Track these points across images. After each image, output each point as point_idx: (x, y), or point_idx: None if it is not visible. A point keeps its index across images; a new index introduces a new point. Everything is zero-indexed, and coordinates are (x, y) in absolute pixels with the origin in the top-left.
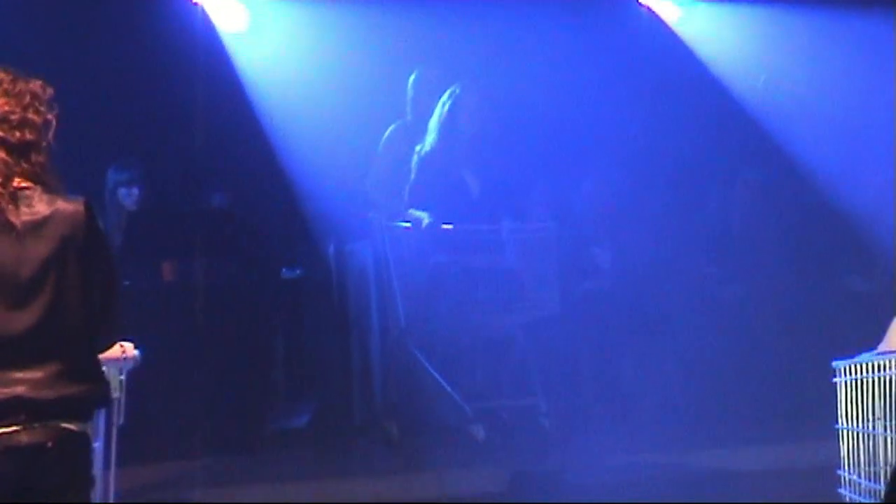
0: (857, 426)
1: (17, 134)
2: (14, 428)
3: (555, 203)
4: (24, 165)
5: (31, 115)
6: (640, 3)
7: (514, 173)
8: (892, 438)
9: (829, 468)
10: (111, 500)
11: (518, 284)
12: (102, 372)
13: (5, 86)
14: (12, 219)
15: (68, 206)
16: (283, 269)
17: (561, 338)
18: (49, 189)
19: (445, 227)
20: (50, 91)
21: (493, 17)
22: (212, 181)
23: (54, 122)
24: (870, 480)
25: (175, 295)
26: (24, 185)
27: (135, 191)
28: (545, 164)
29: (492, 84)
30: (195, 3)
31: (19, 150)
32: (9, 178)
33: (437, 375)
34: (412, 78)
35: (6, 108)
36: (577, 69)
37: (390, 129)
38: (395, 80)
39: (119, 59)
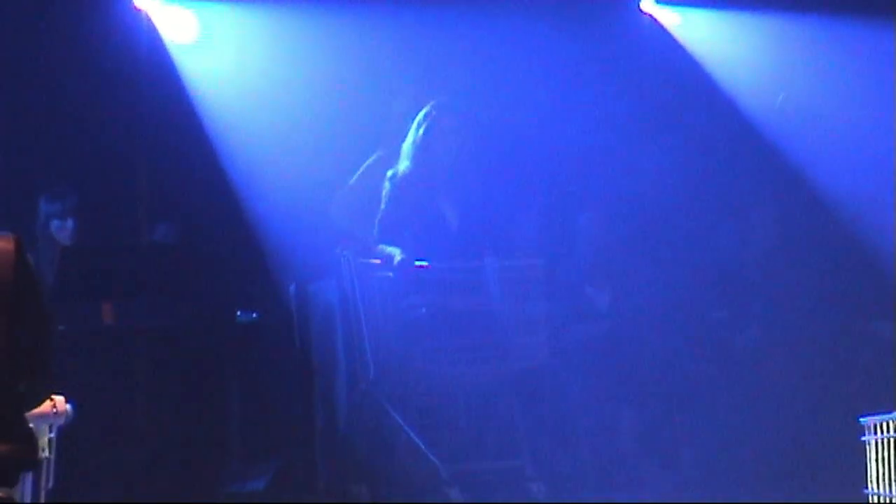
0: (889, 491)
1: None
2: None
3: (545, 237)
4: None
5: None
6: (641, 11)
7: (499, 204)
8: None
9: None
10: None
11: (502, 330)
12: (30, 430)
13: None
14: None
15: None
16: (238, 311)
17: (551, 390)
18: None
19: (420, 264)
20: None
21: (474, 25)
22: (157, 211)
23: None
24: None
25: (115, 340)
26: None
27: (69, 223)
28: (534, 194)
29: (474, 103)
30: (139, 10)
31: None
32: None
33: (410, 432)
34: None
35: None
36: (571, 87)
37: (373, 156)
38: (362, 95)
39: (51, 73)
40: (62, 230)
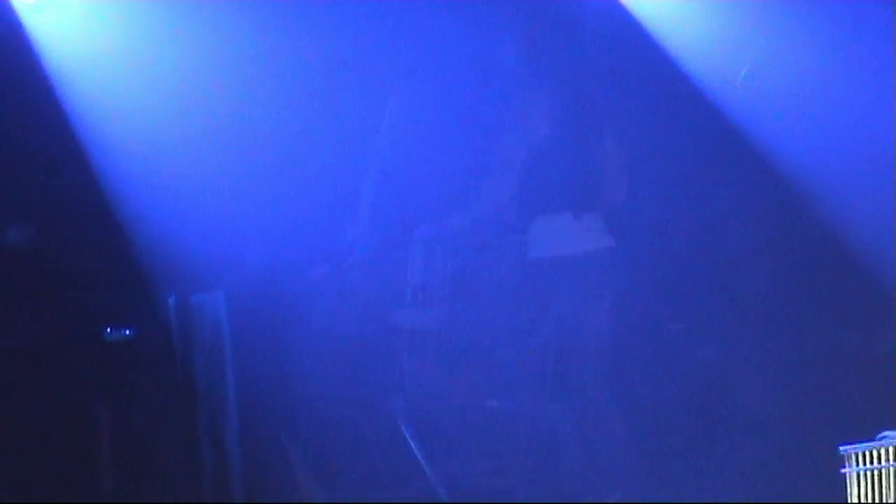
0: None
1: None
2: None
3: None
4: None
5: None
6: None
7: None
8: None
9: None
10: None
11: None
12: None
13: None
14: None
15: None
16: (107, 327)
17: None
18: None
19: None
20: None
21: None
22: (7, 208)
23: None
24: None
25: None
26: None
27: None
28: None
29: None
30: None
31: None
32: None
33: (310, 473)
34: None
35: None
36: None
37: None
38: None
39: None
40: None
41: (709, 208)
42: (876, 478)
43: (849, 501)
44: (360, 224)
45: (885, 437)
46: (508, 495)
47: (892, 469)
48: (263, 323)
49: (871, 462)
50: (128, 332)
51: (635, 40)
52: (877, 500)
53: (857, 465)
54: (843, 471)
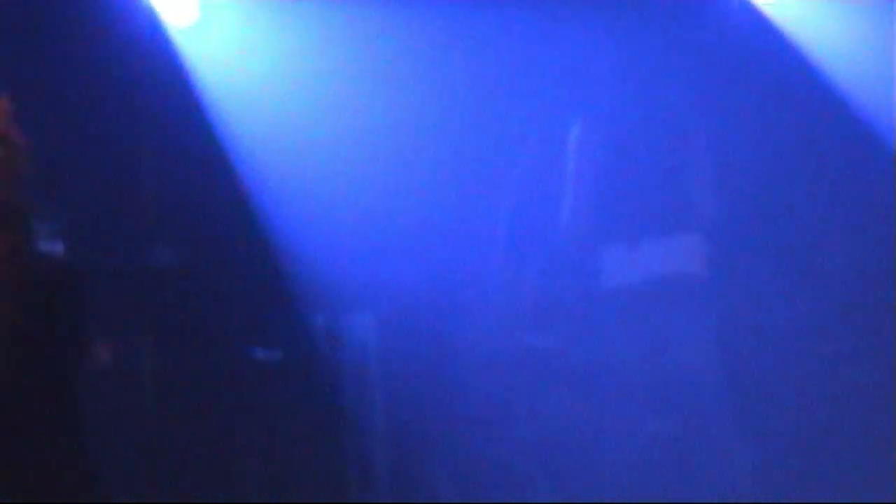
0: None
1: None
2: None
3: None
4: None
5: None
6: None
7: None
8: None
9: None
10: None
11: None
12: None
13: None
14: None
15: None
16: (256, 350)
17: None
18: None
19: None
20: None
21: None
22: (157, 230)
23: None
24: None
25: (111, 384)
26: None
27: (57, 247)
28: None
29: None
30: None
31: None
32: None
33: (454, 495)
34: None
35: None
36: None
37: None
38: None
39: (37, 62)
40: None
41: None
42: None
43: None
44: (500, 245)
45: None
46: None
47: None
48: (410, 344)
49: None
50: (275, 354)
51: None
52: None
53: None
54: None
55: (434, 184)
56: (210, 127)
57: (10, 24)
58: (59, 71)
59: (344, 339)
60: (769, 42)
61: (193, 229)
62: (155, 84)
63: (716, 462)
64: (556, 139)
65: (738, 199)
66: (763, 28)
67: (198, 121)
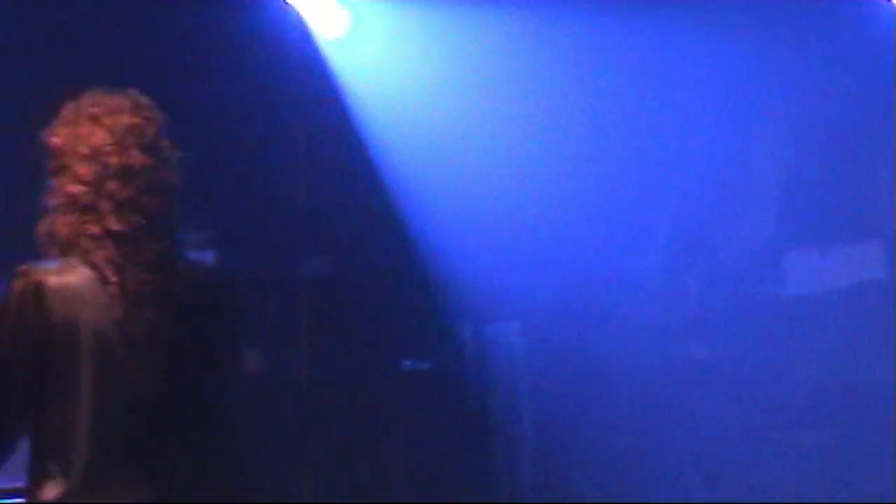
0: None
1: None
2: None
3: None
4: None
5: None
6: None
7: None
8: None
9: None
10: None
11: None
12: None
13: None
14: None
15: None
16: (405, 359)
17: None
18: None
19: None
20: None
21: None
22: (307, 241)
23: None
24: None
25: (262, 392)
26: None
27: (209, 256)
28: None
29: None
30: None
31: None
32: None
33: None
34: None
35: None
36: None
37: None
38: (531, 96)
39: (188, 73)
40: None
41: None
42: None
43: None
44: (653, 254)
45: None
46: None
47: None
48: (557, 352)
49: None
50: (424, 363)
51: None
52: None
53: None
54: None
55: (585, 191)
56: (360, 138)
57: (161, 37)
58: (210, 82)
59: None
60: None
61: (344, 240)
62: (305, 95)
63: (875, 475)
64: (718, 145)
65: None
66: None
67: (348, 132)
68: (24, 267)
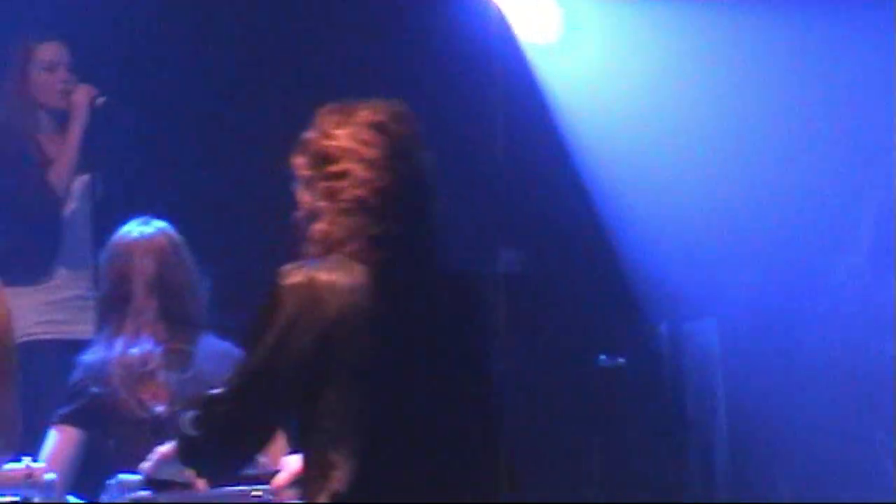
0: None
1: None
2: None
3: None
4: None
5: None
6: None
7: None
8: None
9: None
10: None
11: None
12: None
13: None
14: None
15: None
16: (600, 356)
17: None
18: None
19: None
20: None
21: None
22: (501, 234)
23: None
24: None
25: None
26: None
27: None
28: None
29: None
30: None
31: None
32: None
33: None
34: None
35: None
36: None
37: None
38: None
39: (390, 80)
40: None
41: None
42: None
43: None
44: (858, 252)
45: None
46: None
47: None
48: (754, 351)
49: None
50: (619, 360)
51: None
52: None
53: None
54: None
55: (785, 189)
56: (561, 136)
57: (366, 45)
58: (416, 87)
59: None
60: None
61: (542, 237)
62: (513, 102)
63: None
64: None
65: None
66: None
67: (550, 130)
68: (289, 266)
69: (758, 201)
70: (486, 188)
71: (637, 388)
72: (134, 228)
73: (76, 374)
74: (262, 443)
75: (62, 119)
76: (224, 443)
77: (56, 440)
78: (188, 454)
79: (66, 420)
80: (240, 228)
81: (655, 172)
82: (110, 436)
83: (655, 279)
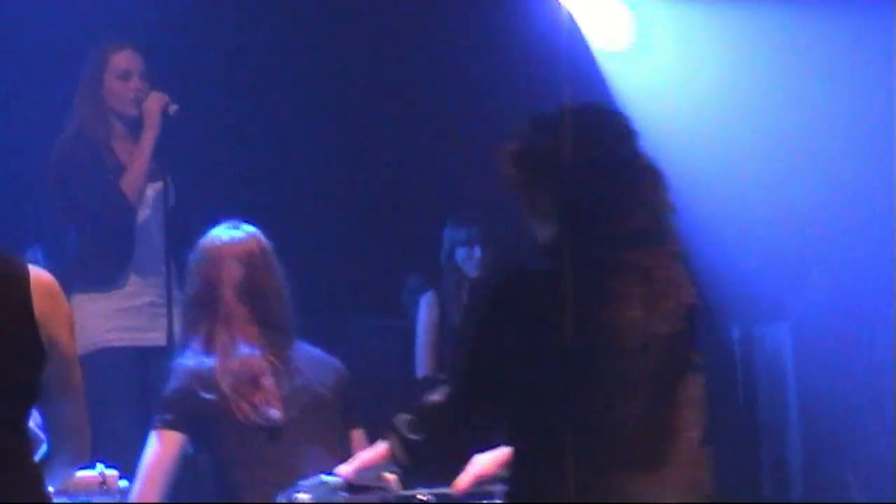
0: None
1: None
2: None
3: None
4: None
5: None
6: None
7: None
8: None
9: None
10: None
11: None
12: None
13: None
14: None
15: None
16: None
17: None
18: None
19: None
20: None
21: None
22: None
23: None
24: None
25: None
26: None
27: (476, 251)
28: None
29: None
30: (560, 7)
31: None
32: None
33: None
34: None
35: None
36: None
37: None
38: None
39: (450, 77)
40: (468, 259)
41: None
42: None
43: None
44: None
45: None
46: None
47: None
48: (825, 355)
49: None
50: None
51: None
52: None
53: None
54: None
55: (858, 192)
56: (633, 150)
57: (441, 52)
58: (488, 94)
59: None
60: None
61: None
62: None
63: None
64: None
65: None
66: None
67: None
68: (501, 265)
69: (830, 204)
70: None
71: (709, 391)
72: (224, 232)
73: (178, 380)
74: (480, 442)
75: (135, 126)
76: (448, 444)
77: (158, 445)
78: (408, 457)
79: (170, 425)
80: (311, 232)
81: (728, 177)
82: (220, 442)
83: (728, 283)
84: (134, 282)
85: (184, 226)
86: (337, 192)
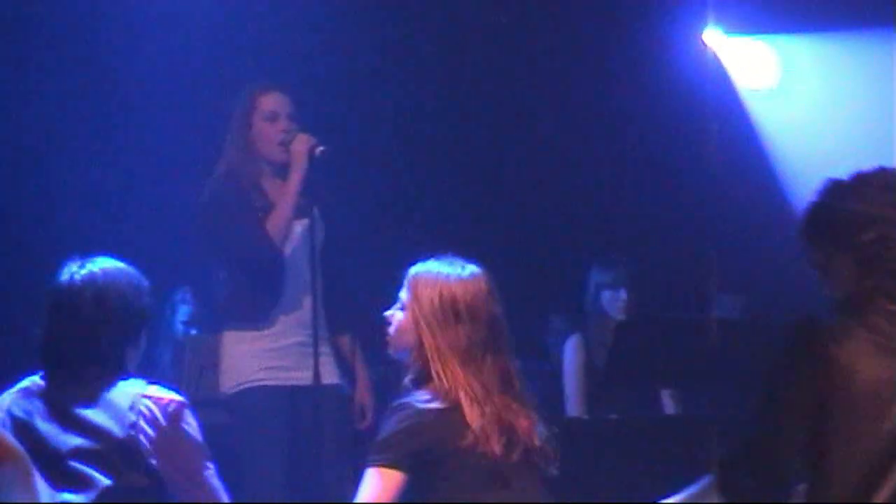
0: None
1: None
2: None
3: None
4: None
5: None
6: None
7: None
8: None
9: None
10: None
11: None
12: None
13: None
14: None
15: None
16: None
17: None
18: None
19: None
20: None
21: None
22: (720, 281)
23: None
24: None
25: (677, 430)
26: None
27: (621, 294)
28: None
29: None
30: (705, 46)
31: None
32: None
33: None
34: None
35: None
36: None
37: None
38: None
39: (598, 121)
40: (614, 302)
41: None
42: None
43: None
44: None
45: None
46: None
47: None
48: None
49: None
50: None
51: None
52: None
53: None
54: None
55: None
56: (783, 185)
57: (590, 90)
58: (635, 132)
59: None
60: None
61: (758, 282)
62: (731, 147)
63: None
64: None
65: None
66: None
67: (771, 180)
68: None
69: None
70: (705, 232)
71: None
72: (451, 271)
73: (407, 419)
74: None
75: (283, 167)
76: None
77: (378, 483)
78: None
79: (392, 464)
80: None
81: None
82: (446, 482)
83: None
84: (282, 321)
85: (337, 264)
86: (481, 234)
